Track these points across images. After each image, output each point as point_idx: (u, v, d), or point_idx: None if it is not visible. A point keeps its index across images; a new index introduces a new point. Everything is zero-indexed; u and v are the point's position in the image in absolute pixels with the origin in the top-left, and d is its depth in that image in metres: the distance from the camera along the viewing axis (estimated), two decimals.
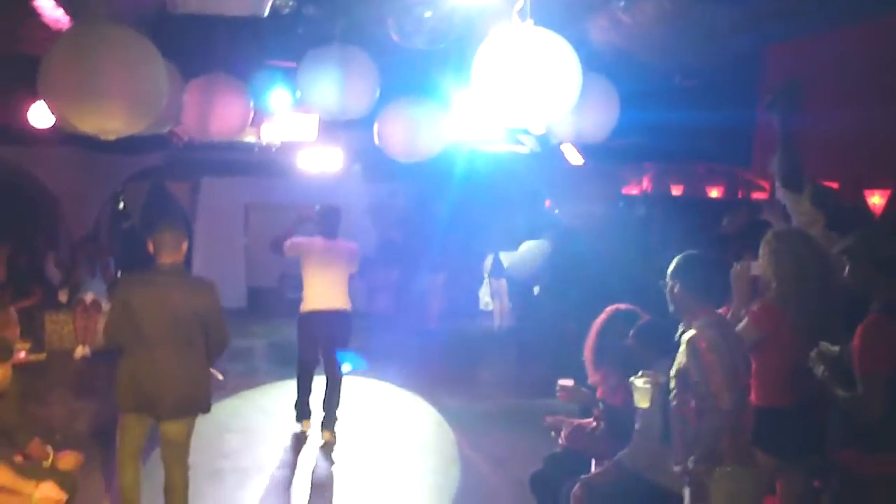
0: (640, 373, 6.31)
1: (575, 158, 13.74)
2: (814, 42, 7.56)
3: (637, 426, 6.64)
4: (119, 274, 15.68)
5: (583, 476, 6.98)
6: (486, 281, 19.00)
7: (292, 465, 10.09)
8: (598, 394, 7.44)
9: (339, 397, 11.04)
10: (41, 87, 5.98)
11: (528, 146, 13.97)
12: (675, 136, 10.56)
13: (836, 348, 5.43)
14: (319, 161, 15.05)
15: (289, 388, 11.74)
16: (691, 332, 5.53)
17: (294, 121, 11.39)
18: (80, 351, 14.98)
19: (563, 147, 13.26)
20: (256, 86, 9.43)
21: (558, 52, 5.36)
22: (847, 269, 5.45)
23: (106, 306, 14.23)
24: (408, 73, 8.64)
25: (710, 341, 5.41)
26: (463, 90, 8.80)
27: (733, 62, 8.39)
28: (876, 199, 8.16)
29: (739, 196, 12.79)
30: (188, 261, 18.37)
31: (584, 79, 5.49)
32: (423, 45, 6.89)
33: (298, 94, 8.27)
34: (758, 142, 8.16)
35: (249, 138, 12.62)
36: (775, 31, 7.63)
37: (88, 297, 15.28)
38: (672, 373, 5.69)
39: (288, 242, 10.87)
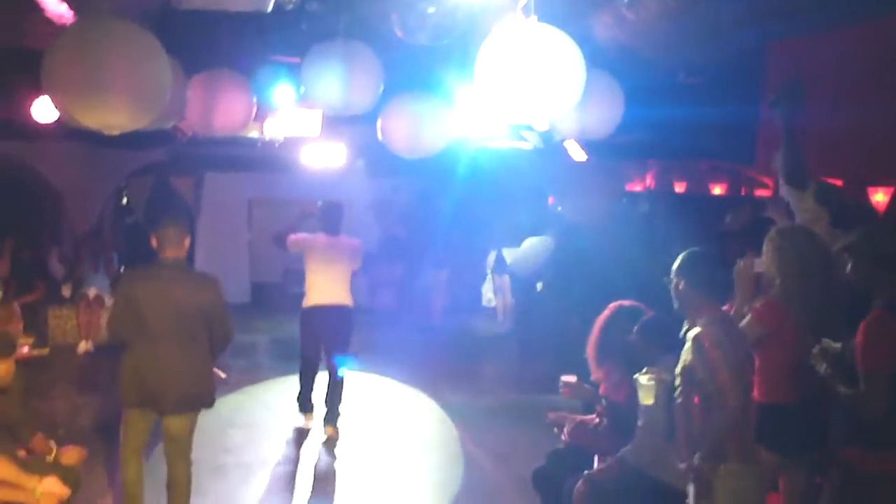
0: (644, 370, 6.31)
1: (578, 155, 13.73)
2: (817, 40, 7.56)
3: (640, 423, 6.63)
4: (122, 269, 15.67)
5: (586, 472, 6.98)
6: (489, 277, 19.00)
7: (295, 461, 10.09)
8: (601, 390, 7.44)
9: (341, 393, 11.07)
10: (45, 82, 5.98)
11: (531, 142, 13.96)
12: (679, 133, 10.56)
13: (838, 345, 5.44)
14: (323, 156, 15.03)
15: (292, 383, 11.74)
16: (696, 330, 5.52)
17: (297, 116, 11.39)
18: (83, 346, 15.00)
19: (566, 143, 13.25)
20: (260, 81, 9.43)
21: (562, 48, 5.36)
22: (849, 266, 5.45)
23: (109, 301, 14.23)
24: (411, 68, 8.63)
25: (716, 338, 5.41)
26: (466, 86, 8.80)
27: (737, 59, 8.38)
28: (879, 197, 8.15)
29: (742, 193, 12.78)
30: (191, 256, 18.44)
31: (588, 75, 5.49)
32: (427, 41, 6.89)
33: (302, 89, 8.29)
34: (761, 139, 8.16)
35: (253, 134, 12.63)
36: (779, 29, 7.62)
37: (91, 292, 15.30)
38: (677, 370, 5.68)
39: (291, 238, 10.90)
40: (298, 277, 11.33)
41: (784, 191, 6.67)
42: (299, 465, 9.95)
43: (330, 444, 10.65)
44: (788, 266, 5.95)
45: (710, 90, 9.17)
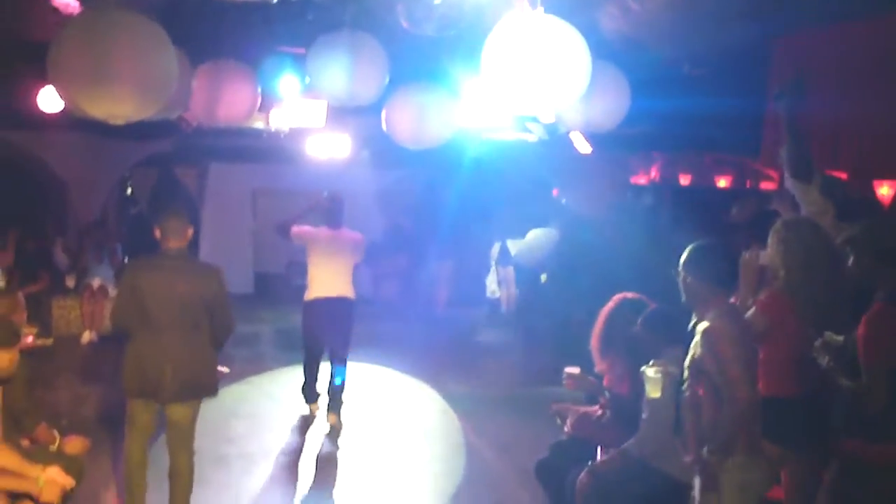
0: (651, 362, 6.30)
1: (583, 147, 13.73)
2: (823, 33, 7.54)
3: (644, 416, 6.63)
4: (126, 259, 15.68)
5: (589, 464, 6.98)
6: (493, 269, 18.99)
7: (298, 451, 10.10)
8: (605, 382, 7.44)
9: (343, 382, 11.13)
10: (51, 72, 5.98)
11: (536, 134, 13.96)
12: (684, 125, 10.55)
13: (840, 338, 5.44)
14: (328, 147, 15.04)
15: (295, 373, 11.77)
16: (706, 323, 5.49)
17: (303, 107, 11.39)
18: (87, 336, 15.02)
19: (571, 135, 13.25)
20: (266, 72, 9.43)
21: (568, 39, 5.36)
22: (851, 259, 5.45)
23: (113, 292, 14.24)
24: (417, 59, 8.63)
25: (727, 332, 5.38)
26: (472, 77, 8.80)
27: (742, 51, 8.37)
28: (884, 190, 8.15)
29: (748, 186, 12.77)
30: (195, 246, 18.48)
31: (594, 67, 5.49)
32: (433, 32, 6.88)
33: (307, 80, 8.27)
34: (766, 131, 8.14)
35: (258, 124, 12.62)
36: (784, 21, 7.61)
37: (96, 282, 15.32)
38: (686, 363, 5.66)
39: (295, 229, 10.92)
40: (302, 269, 11.34)
41: (789, 184, 6.67)
42: (302, 456, 9.97)
43: (332, 434, 10.66)
44: (793, 259, 5.94)
45: (715, 82, 9.15)
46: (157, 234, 7.44)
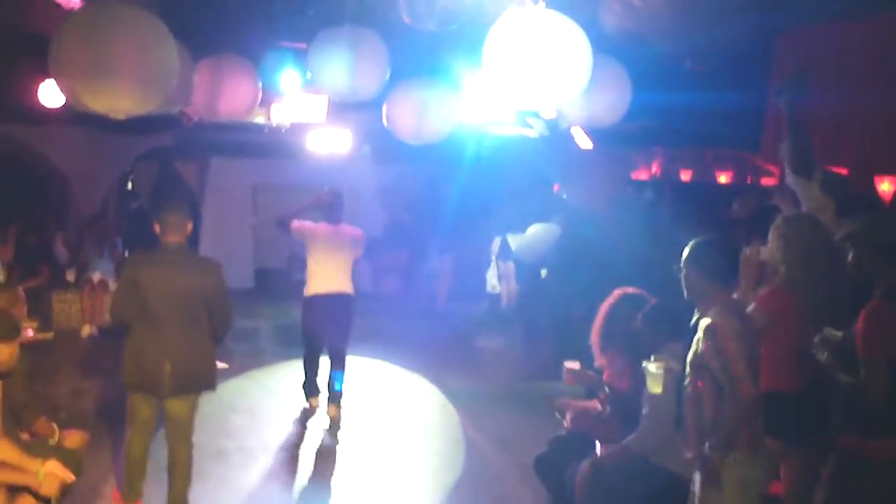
0: (652, 358, 6.30)
1: (584, 142, 13.73)
2: (824, 29, 7.56)
3: (645, 411, 6.62)
4: (126, 254, 15.67)
5: (589, 458, 6.98)
6: (493, 264, 18.97)
7: (297, 445, 10.10)
8: (605, 377, 7.44)
9: (343, 375, 11.19)
10: (52, 66, 5.99)
11: (537, 129, 13.95)
12: (685, 121, 10.55)
13: (839, 333, 5.44)
14: (329, 142, 15.01)
15: (295, 368, 11.78)
16: (710, 319, 5.47)
17: (304, 102, 11.39)
18: (87, 330, 15.02)
19: (572, 131, 13.25)
20: (267, 66, 9.44)
21: (569, 34, 5.36)
22: (850, 255, 5.46)
23: (113, 286, 14.23)
24: (418, 54, 8.63)
25: (730, 328, 5.36)
26: (473, 73, 8.80)
27: (743, 47, 8.38)
28: (885, 186, 8.17)
29: (748, 181, 12.79)
30: (196, 241, 18.46)
31: (596, 62, 5.49)
32: (434, 27, 6.88)
33: (308, 75, 8.27)
34: (767, 127, 8.16)
35: (259, 119, 12.62)
36: (786, 18, 7.63)
37: (96, 276, 15.31)
38: (688, 359, 5.65)
39: (295, 224, 10.94)
40: (302, 264, 11.34)
41: (790, 180, 6.68)
42: (301, 450, 9.96)
43: (331, 428, 10.67)
44: (793, 255, 5.96)
45: (717, 78, 9.17)
46: (157, 228, 7.48)
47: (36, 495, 6.15)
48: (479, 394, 12.32)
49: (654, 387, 6.22)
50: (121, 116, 6.27)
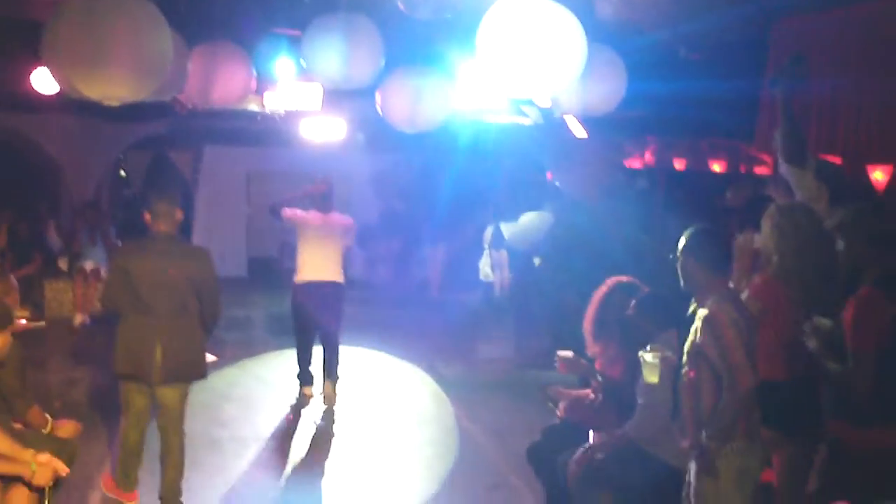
0: (648, 347, 6.28)
1: (578, 131, 13.72)
2: (819, 17, 7.54)
3: (641, 401, 6.60)
4: (120, 242, 15.64)
5: (584, 445, 6.98)
6: (486, 252, 18.98)
7: (290, 435, 10.11)
8: (597, 366, 7.43)
9: (337, 360, 11.24)
10: (45, 53, 5.96)
11: (531, 118, 13.94)
12: (679, 109, 10.54)
13: (829, 322, 5.45)
14: (323, 130, 14.99)
15: (287, 357, 11.78)
16: (709, 308, 5.45)
17: (298, 89, 11.37)
18: (79, 318, 14.99)
19: (566, 119, 13.24)
20: (261, 54, 9.43)
21: (563, 22, 5.35)
22: (841, 244, 5.45)
23: (106, 274, 14.22)
24: (412, 42, 8.62)
25: (729, 318, 5.33)
26: (467, 60, 8.78)
27: (738, 35, 8.37)
28: (878, 175, 8.15)
29: (742, 170, 12.77)
30: (189, 229, 18.44)
31: (591, 50, 5.48)
32: (429, 15, 6.86)
33: (303, 62, 8.26)
34: (761, 115, 8.14)
35: (253, 107, 12.60)
36: (780, 4, 7.61)
37: (88, 265, 15.26)
38: (685, 348, 5.63)
39: (286, 212, 11.00)
40: (294, 252, 11.36)
41: (783, 169, 6.66)
42: (294, 439, 9.97)
43: (325, 417, 10.68)
44: (786, 244, 5.95)
45: (711, 66, 9.16)
46: (147, 217, 7.54)
47: (29, 486, 6.13)
48: (473, 383, 12.34)
49: (651, 376, 6.19)
50: (115, 103, 6.25)
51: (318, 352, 11.26)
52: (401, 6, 6.88)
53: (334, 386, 11.16)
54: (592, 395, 7.55)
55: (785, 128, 6.48)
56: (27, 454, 6.12)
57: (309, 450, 9.72)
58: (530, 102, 12.32)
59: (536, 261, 15.57)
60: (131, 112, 8.80)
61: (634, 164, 15.54)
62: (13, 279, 8.15)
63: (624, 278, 7.44)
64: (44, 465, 6.10)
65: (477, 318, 16.85)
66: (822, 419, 5.64)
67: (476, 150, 16.89)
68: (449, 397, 11.66)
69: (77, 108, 13.32)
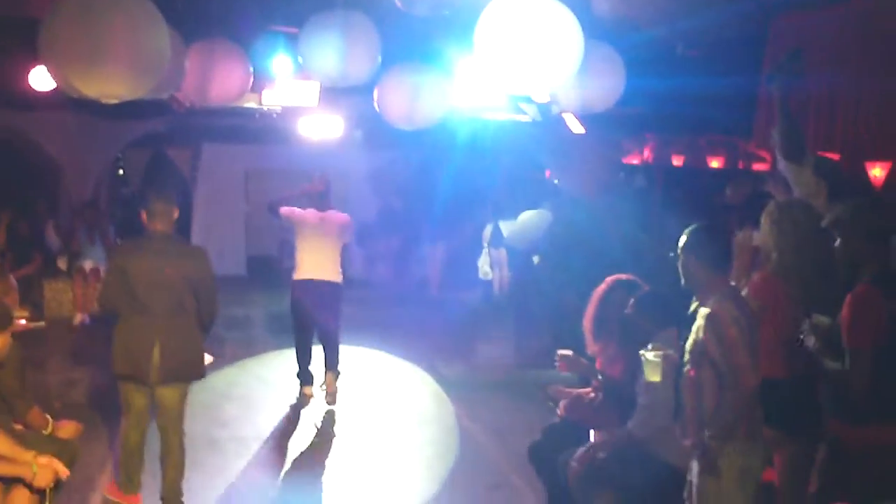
0: (650, 346, 6.25)
1: (576, 128, 13.70)
2: (817, 13, 7.54)
3: (642, 400, 6.57)
4: (118, 241, 15.62)
5: (585, 445, 6.96)
6: (485, 250, 18.97)
7: (291, 435, 10.09)
8: (598, 364, 7.42)
9: (337, 357, 11.26)
10: (42, 51, 5.95)
11: (529, 115, 13.92)
12: (677, 106, 10.54)
13: (827, 320, 5.43)
14: (320, 128, 14.97)
15: (288, 356, 11.75)
16: (711, 307, 5.41)
17: (295, 87, 11.36)
18: (79, 318, 14.97)
19: (564, 116, 13.22)
20: (258, 51, 9.41)
21: (560, 18, 5.35)
22: (838, 240, 5.43)
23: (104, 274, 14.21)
24: (410, 39, 8.61)
25: (731, 316, 5.29)
26: (465, 57, 8.77)
27: (736, 31, 8.36)
28: (877, 171, 8.15)
29: (740, 167, 12.77)
30: (188, 228, 18.41)
31: (589, 47, 5.48)
32: (426, 12, 6.85)
33: (300, 59, 8.25)
34: (759, 112, 8.14)
35: (250, 104, 12.59)
36: (777, 1, 7.61)
37: (88, 264, 15.23)
38: (687, 347, 5.61)
39: (284, 210, 11.03)
40: (293, 250, 11.38)
41: (782, 165, 6.65)
42: (295, 439, 9.96)
43: (325, 417, 10.67)
44: (785, 241, 5.94)
45: (709, 62, 9.15)
46: (144, 216, 7.54)
47: (30, 487, 6.12)
48: (473, 382, 12.32)
49: (653, 375, 6.16)
50: (112, 101, 6.25)
51: (318, 351, 11.24)
52: (398, 3, 6.87)
53: (336, 378, 11.18)
54: (592, 394, 7.54)
55: (782, 124, 6.46)
56: (28, 456, 6.11)
57: (310, 450, 9.71)
58: (528, 99, 12.32)
59: (535, 259, 15.55)
60: (129, 110, 8.80)
61: (633, 160, 15.54)
62: (12, 279, 8.14)
63: (623, 276, 7.42)
64: (45, 467, 6.09)
65: (477, 316, 16.84)
66: (822, 418, 5.62)
67: (474, 148, 16.87)
68: (449, 397, 11.65)
69: (75, 106, 13.29)
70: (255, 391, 11.70)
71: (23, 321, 9.18)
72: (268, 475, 8.99)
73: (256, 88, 10.42)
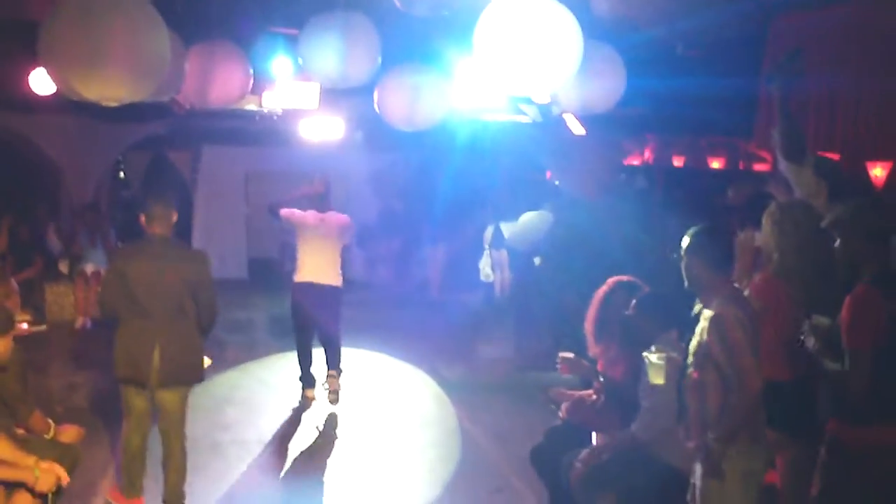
0: (653, 348, 6.24)
1: (577, 129, 13.70)
2: (817, 12, 7.54)
3: (645, 403, 6.55)
4: (119, 244, 15.62)
5: (589, 447, 6.95)
6: (486, 252, 18.97)
7: (293, 438, 10.07)
8: (599, 366, 7.41)
9: (339, 358, 11.29)
10: (42, 54, 5.95)
11: (529, 116, 13.93)
12: (677, 106, 10.54)
13: (827, 320, 5.42)
14: (321, 129, 14.98)
15: (289, 359, 11.74)
16: (715, 309, 5.40)
17: (296, 89, 11.36)
18: (81, 322, 14.97)
19: (564, 117, 13.23)
20: (259, 53, 9.42)
21: (559, 19, 5.34)
22: (838, 241, 5.42)
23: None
24: (410, 40, 8.60)
25: (735, 319, 5.28)
26: (465, 58, 8.77)
27: (736, 31, 8.36)
28: (877, 171, 8.15)
29: (741, 167, 12.76)
30: (188, 231, 18.41)
31: (590, 48, 5.47)
32: (426, 13, 6.84)
33: (300, 61, 8.24)
34: (760, 112, 8.13)
35: (251, 106, 12.59)
36: (777, 1, 7.61)
37: (89, 267, 15.24)
38: (691, 349, 5.59)
39: (284, 211, 11.06)
40: (294, 252, 11.39)
41: (782, 166, 6.64)
42: (297, 443, 9.94)
43: (328, 420, 10.65)
44: (787, 241, 5.93)
45: (709, 63, 9.14)
46: (142, 220, 7.54)
47: (32, 492, 6.12)
48: (475, 385, 12.31)
49: (656, 378, 6.15)
50: (113, 104, 6.24)
51: (320, 353, 11.24)
52: (398, 4, 6.86)
53: (338, 376, 11.21)
54: (594, 396, 7.53)
55: (782, 125, 6.46)
56: (30, 460, 6.11)
57: (312, 453, 9.69)
58: (529, 100, 12.32)
59: (537, 260, 15.55)
60: (130, 113, 8.78)
61: (633, 161, 15.53)
62: (14, 283, 8.15)
63: (625, 277, 7.41)
64: (47, 472, 6.09)
65: (478, 318, 16.83)
66: (821, 419, 5.61)
67: (474, 149, 16.88)
68: (450, 399, 11.62)
69: (75, 109, 13.30)
70: (257, 394, 11.68)
71: (24, 325, 9.20)
72: (270, 479, 8.97)
73: (257, 90, 10.42)
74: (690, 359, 5.55)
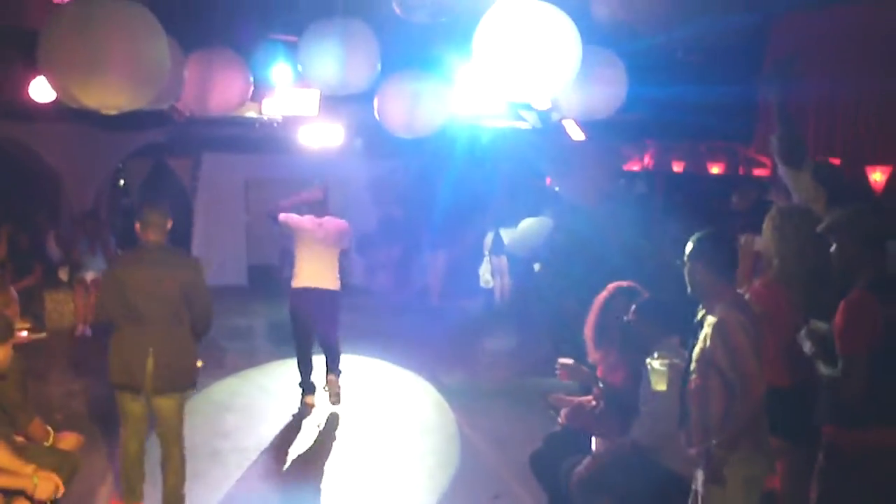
0: (655, 354, 6.23)
1: (577, 134, 13.71)
2: (817, 17, 7.54)
3: (646, 409, 6.54)
4: (119, 251, 15.61)
5: (591, 453, 6.95)
6: (486, 258, 18.97)
7: (293, 445, 10.06)
8: (599, 372, 7.41)
9: (338, 361, 11.36)
10: (42, 62, 5.94)
11: (529, 122, 13.93)
12: (677, 112, 10.54)
13: (824, 325, 5.42)
14: (320, 136, 14.98)
15: (289, 366, 11.74)
16: (718, 315, 5.39)
17: (295, 96, 11.37)
18: (80, 329, 14.96)
19: (564, 123, 13.23)
20: (258, 60, 9.42)
21: (559, 25, 5.34)
22: (834, 246, 5.42)
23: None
24: (409, 47, 8.61)
25: (739, 325, 5.27)
26: (465, 64, 8.77)
27: (736, 37, 8.36)
28: (877, 176, 8.15)
29: (741, 173, 12.77)
30: (189, 238, 18.40)
31: (591, 54, 5.48)
32: (425, 19, 6.85)
33: (300, 68, 8.25)
34: (760, 118, 8.14)
35: (251, 113, 12.60)
36: (778, 5, 7.61)
37: (89, 275, 15.21)
38: (694, 355, 5.58)
39: (282, 217, 11.12)
40: (293, 258, 11.41)
41: (782, 171, 6.64)
42: (297, 449, 9.93)
43: (327, 427, 10.64)
44: (787, 247, 5.94)
45: (709, 68, 9.15)
46: (137, 227, 7.57)
47: (31, 500, 6.11)
48: (474, 391, 12.29)
49: (659, 384, 6.14)
50: (113, 112, 6.24)
51: (319, 360, 11.23)
52: (397, 10, 6.88)
53: (338, 378, 11.27)
54: (594, 402, 7.52)
55: (780, 130, 6.46)
56: (29, 468, 6.11)
57: (311, 460, 9.68)
58: (528, 106, 12.32)
59: (537, 266, 15.55)
60: (129, 120, 8.79)
61: (633, 167, 15.54)
62: (13, 291, 8.14)
63: (624, 283, 7.41)
64: (46, 480, 6.09)
65: (478, 324, 16.83)
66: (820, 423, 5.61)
67: (474, 155, 16.89)
68: (450, 405, 11.61)
69: (75, 117, 13.29)
70: (257, 401, 11.67)
71: (24, 333, 9.18)
72: (270, 486, 8.96)
73: (256, 98, 10.43)
74: (693, 364, 5.54)
